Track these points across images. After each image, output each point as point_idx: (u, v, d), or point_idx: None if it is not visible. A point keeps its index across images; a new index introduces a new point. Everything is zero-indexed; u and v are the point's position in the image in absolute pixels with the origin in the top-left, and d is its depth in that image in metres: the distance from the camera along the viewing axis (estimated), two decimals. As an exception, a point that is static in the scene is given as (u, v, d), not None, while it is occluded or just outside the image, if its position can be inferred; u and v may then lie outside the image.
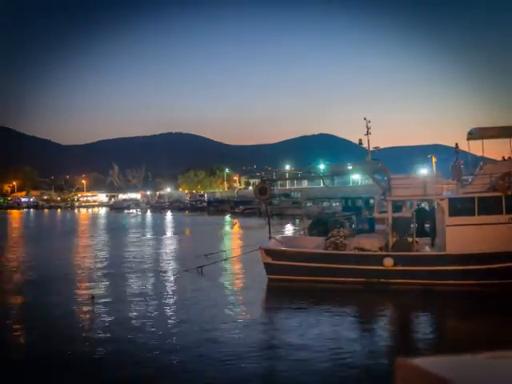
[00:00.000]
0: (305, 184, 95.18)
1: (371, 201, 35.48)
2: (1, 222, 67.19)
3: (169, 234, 41.30)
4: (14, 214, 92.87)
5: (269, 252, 17.81)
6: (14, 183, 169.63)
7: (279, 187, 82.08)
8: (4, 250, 30.12)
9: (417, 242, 17.45)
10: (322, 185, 28.86)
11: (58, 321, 12.93)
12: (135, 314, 13.34)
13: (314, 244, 19.96)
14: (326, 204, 57.61)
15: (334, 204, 54.42)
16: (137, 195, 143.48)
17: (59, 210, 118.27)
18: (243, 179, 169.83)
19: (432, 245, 18.63)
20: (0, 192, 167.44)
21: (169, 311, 13.71)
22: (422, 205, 24.27)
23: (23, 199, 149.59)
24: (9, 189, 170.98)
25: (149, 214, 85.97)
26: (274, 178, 24.42)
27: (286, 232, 36.75)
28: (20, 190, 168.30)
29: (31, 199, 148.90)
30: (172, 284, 17.77)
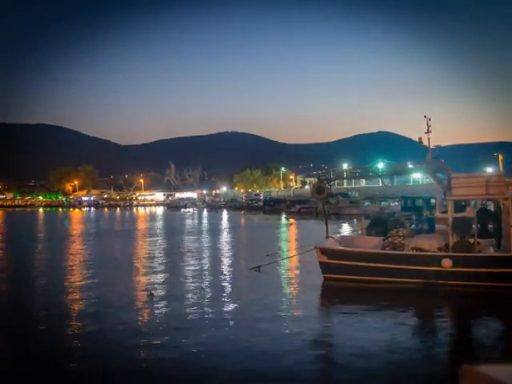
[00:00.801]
0: (363, 183, 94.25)
1: (432, 200, 34.92)
2: (62, 220, 70.56)
3: (225, 233, 42.04)
4: (76, 213, 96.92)
5: (324, 251, 17.99)
6: (76, 182, 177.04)
7: (336, 186, 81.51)
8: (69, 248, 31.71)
9: (478, 242, 17.09)
10: (380, 184, 28.63)
11: (116, 317, 13.57)
12: (191, 313, 13.74)
13: (372, 244, 19.95)
14: (384, 203, 56.83)
15: (392, 204, 53.63)
16: (193, 194, 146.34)
17: (118, 208, 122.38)
18: (299, 178, 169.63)
19: (498, 246, 18.15)
20: (62, 191, 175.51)
21: (224, 311, 14.06)
22: (486, 205, 23.65)
23: (84, 198, 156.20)
24: (71, 188, 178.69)
25: (205, 212, 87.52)
26: (332, 177, 24.50)
27: (344, 232, 36.67)
28: (81, 189, 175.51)
29: (92, 198, 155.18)
30: (229, 284, 18.15)
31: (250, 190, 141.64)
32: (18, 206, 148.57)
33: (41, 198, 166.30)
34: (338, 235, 23.43)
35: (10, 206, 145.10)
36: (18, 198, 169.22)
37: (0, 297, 17.13)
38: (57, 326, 12.58)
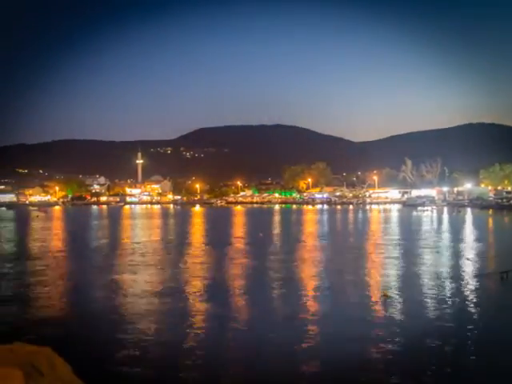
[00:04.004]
0: None
1: None
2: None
3: (468, 234, 38.31)
4: (309, 210, 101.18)
5: None
6: (309, 180, 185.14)
7: None
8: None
9: None
10: None
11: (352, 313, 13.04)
12: (425, 317, 12.24)
13: None
14: None
15: None
16: (431, 191, 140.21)
17: (351, 206, 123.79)
18: None
19: None
20: (296, 188, 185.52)
21: (468, 321, 12.15)
22: None
23: (317, 195, 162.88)
24: (304, 185, 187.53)
25: (444, 212, 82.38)
26: None
27: None
28: (314, 186, 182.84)
29: (324, 195, 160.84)
30: (471, 290, 16.18)
31: (499, 188, 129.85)
32: (256, 202, 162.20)
33: (276, 195, 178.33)
34: None
35: (248, 203, 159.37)
36: (256, 194, 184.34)
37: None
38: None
